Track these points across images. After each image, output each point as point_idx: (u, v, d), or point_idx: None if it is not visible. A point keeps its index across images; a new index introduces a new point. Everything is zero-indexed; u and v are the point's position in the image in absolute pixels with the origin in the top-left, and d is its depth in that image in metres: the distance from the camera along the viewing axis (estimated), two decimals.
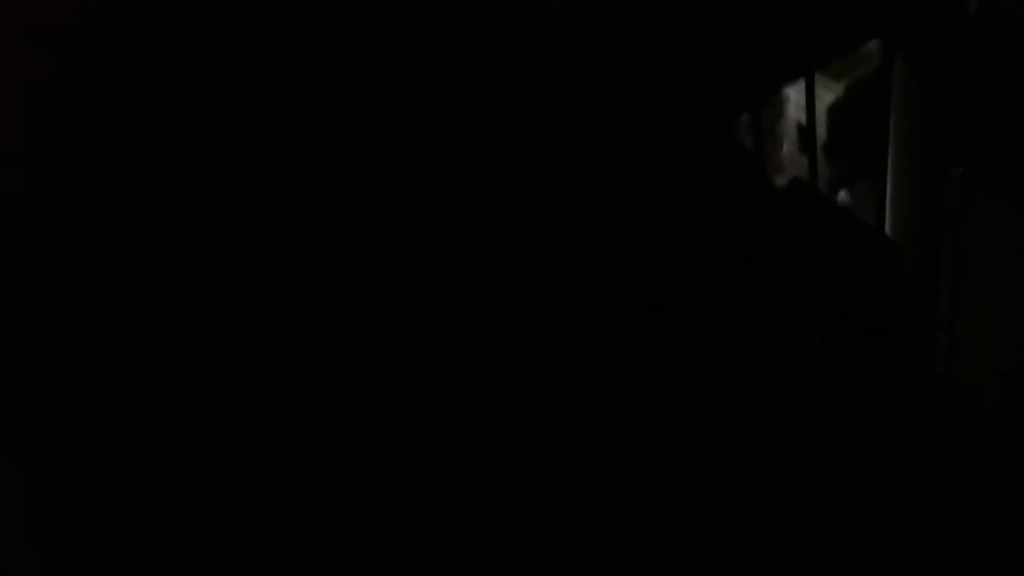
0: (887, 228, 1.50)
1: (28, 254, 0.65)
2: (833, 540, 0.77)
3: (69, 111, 0.64)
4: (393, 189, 0.75)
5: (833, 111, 2.30)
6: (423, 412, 0.75)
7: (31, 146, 0.64)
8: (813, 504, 0.77)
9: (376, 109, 0.73)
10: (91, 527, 0.68)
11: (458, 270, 0.79)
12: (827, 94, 2.26)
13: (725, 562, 0.73)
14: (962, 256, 1.58)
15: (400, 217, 0.76)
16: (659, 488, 0.73)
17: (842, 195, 2.35)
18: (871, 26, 1.15)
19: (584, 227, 0.85)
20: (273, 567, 0.70)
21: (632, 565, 0.71)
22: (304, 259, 0.73)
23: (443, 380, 0.77)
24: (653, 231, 0.85)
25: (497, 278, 0.81)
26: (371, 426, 0.73)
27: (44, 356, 0.66)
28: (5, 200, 0.64)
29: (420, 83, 0.75)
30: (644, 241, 0.82)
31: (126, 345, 0.68)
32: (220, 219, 0.68)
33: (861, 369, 0.82)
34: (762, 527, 0.74)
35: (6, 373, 0.65)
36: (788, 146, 2.42)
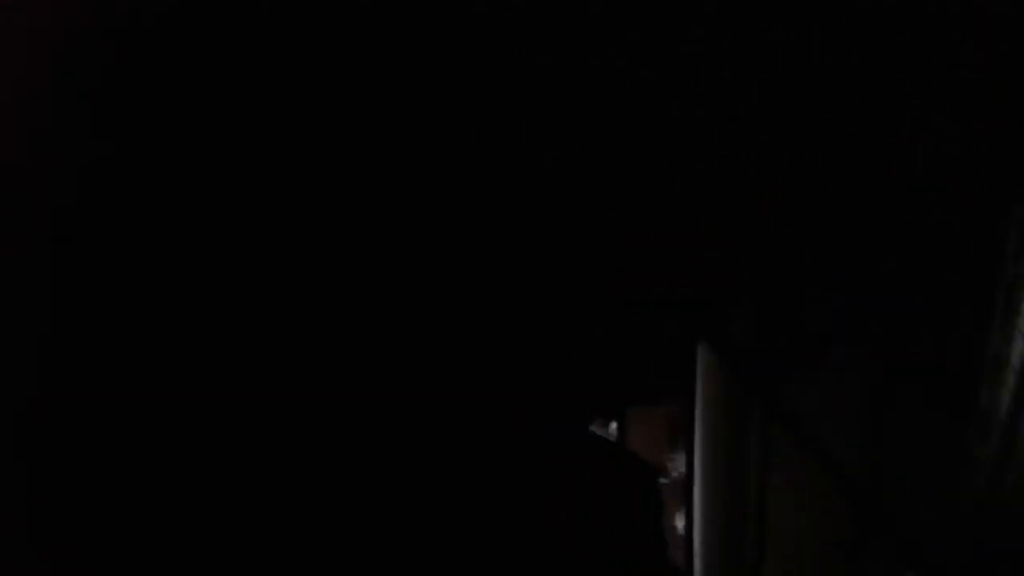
0: None
1: (27, 251, 0.65)
2: None
3: (68, 110, 0.64)
4: (392, 189, 0.75)
5: None
6: (423, 406, 0.75)
7: (30, 145, 0.64)
8: None
9: (374, 109, 0.73)
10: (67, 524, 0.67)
11: (459, 268, 0.79)
12: None
13: None
14: None
15: (399, 215, 0.76)
16: None
17: None
18: None
19: (585, 227, 0.85)
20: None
21: None
22: (302, 256, 0.73)
23: (446, 377, 0.77)
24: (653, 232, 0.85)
25: (500, 275, 0.82)
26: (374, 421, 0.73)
27: (37, 351, 0.66)
28: (5, 198, 0.65)
29: (420, 82, 0.75)
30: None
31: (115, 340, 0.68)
32: (215, 216, 0.68)
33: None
34: None
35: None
36: None
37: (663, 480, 2.89)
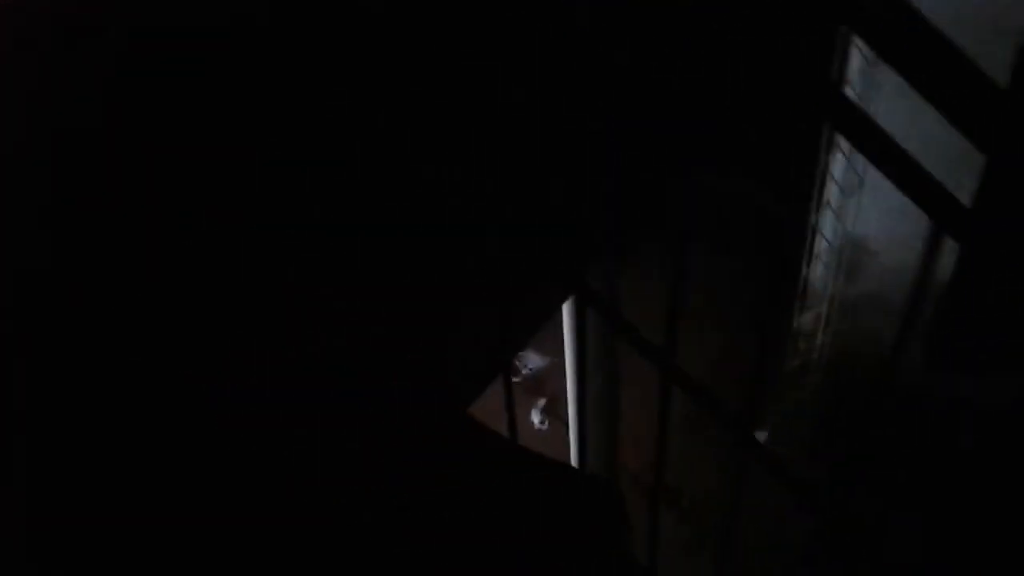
0: None
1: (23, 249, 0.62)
2: None
3: (67, 109, 0.62)
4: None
5: None
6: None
7: (29, 143, 0.61)
8: None
9: None
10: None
11: None
12: None
13: None
14: None
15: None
16: None
17: None
18: None
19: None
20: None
21: None
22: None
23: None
24: None
25: None
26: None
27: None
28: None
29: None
30: None
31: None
32: (216, 216, 0.67)
33: None
34: None
35: None
36: None
37: (515, 379, 2.97)
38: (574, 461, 2.00)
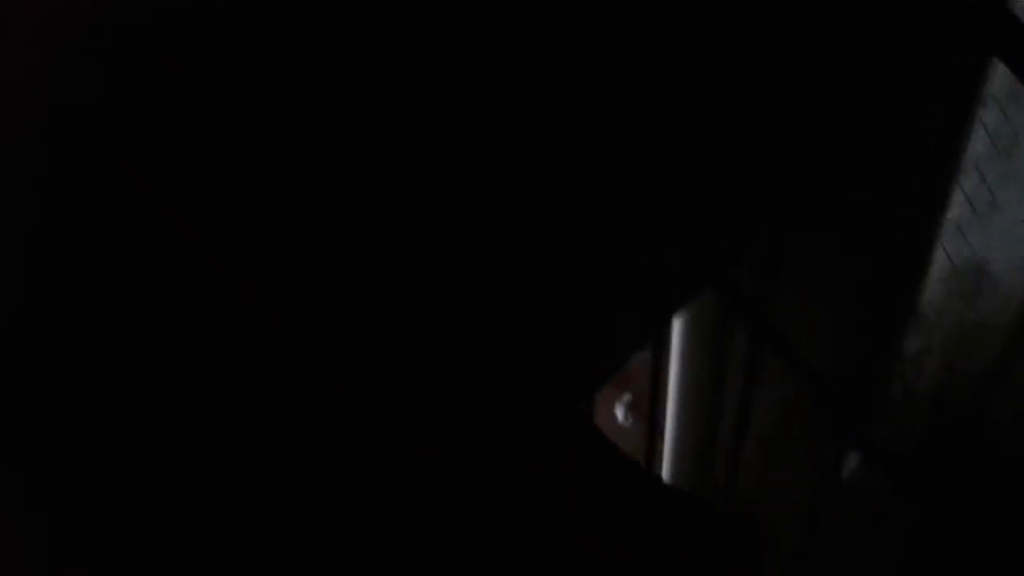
0: None
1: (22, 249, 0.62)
2: None
3: (69, 108, 0.61)
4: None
5: None
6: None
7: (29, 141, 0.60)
8: None
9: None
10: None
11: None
12: None
13: None
14: None
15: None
16: None
17: None
18: None
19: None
20: None
21: None
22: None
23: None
24: None
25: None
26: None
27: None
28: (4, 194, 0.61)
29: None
30: None
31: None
32: (220, 218, 0.63)
33: None
34: None
35: None
36: None
37: None
38: (666, 464, 1.94)
